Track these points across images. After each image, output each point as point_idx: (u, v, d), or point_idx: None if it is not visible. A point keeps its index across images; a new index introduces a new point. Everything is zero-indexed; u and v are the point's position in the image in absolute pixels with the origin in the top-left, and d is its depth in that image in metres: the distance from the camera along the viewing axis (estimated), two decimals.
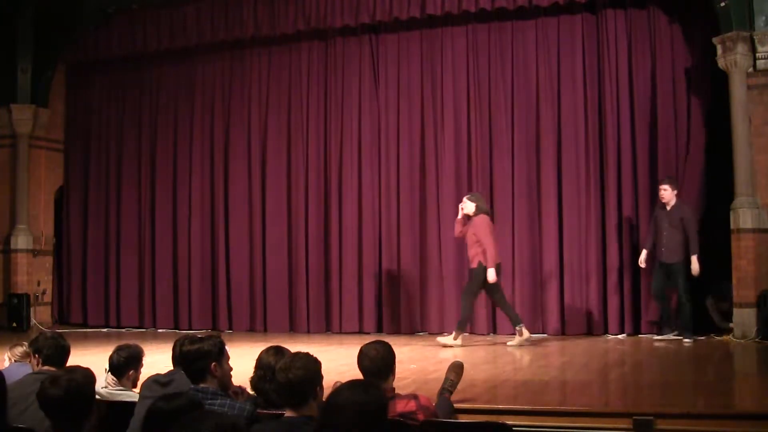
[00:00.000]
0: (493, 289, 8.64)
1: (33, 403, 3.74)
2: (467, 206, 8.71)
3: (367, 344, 3.84)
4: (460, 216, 8.81)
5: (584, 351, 8.14)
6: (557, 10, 9.97)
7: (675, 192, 8.68)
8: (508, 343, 8.62)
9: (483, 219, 8.60)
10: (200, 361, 3.60)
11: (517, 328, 8.62)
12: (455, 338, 8.61)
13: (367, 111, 10.87)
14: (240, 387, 4.01)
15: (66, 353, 4.31)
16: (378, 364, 3.73)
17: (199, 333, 4.58)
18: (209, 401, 3.36)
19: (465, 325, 8.79)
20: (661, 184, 8.80)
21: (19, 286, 11.86)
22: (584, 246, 9.70)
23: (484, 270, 8.45)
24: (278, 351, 3.99)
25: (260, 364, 3.99)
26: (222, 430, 2.37)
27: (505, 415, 4.65)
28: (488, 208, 9.02)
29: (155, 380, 4.00)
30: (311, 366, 3.23)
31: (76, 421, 2.97)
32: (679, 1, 9.53)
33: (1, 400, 3.34)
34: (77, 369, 3.11)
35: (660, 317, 9.05)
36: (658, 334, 8.95)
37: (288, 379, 3.15)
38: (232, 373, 3.87)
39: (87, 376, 3.08)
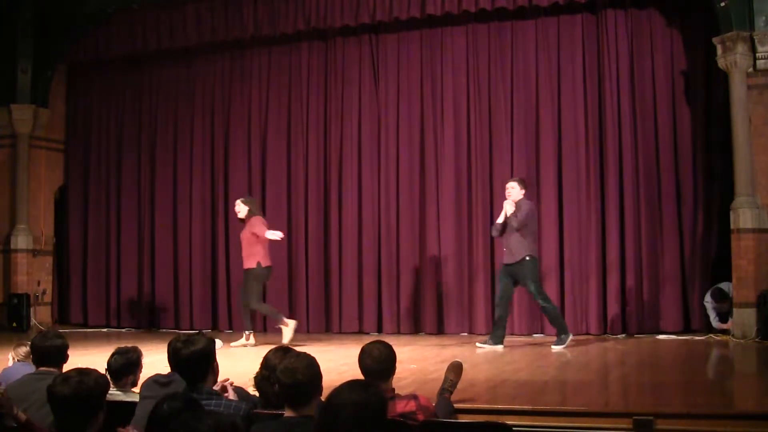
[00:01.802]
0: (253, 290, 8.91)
1: (34, 402, 3.75)
2: (240, 209, 9.02)
3: (369, 344, 3.85)
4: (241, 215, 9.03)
5: (584, 351, 8.14)
6: (557, 10, 9.96)
7: (523, 192, 8.25)
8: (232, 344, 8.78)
9: (259, 219, 8.91)
10: (204, 360, 3.60)
11: (246, 333, 8.88)
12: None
13: (367, 111, 10.86)
14: (224, 386, 4.00)
15: (65, 353, 4.32)
16: (381, 364, 3.74)
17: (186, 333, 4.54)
18: (205, 401, 3.36)
19: (281, 316, 8.95)
20: (508, 182, 8.47)
21: (19, 286, 11.83)
22: (584, 246, 9.69)
23: (263, 268, 8.77)
24: (286, 352, 3.98)
25: (267, 365, 3.97)
26: (221, 430, 2.37)
27: (505, 415, 4.64)
28: (261, 213, 9.32)
29: (155, 380, 4.00)
30: (315, 366, 3.26)
31: (80, 423, 2.97)
32: (679, 1, 9.54)
33: None
34: (91, 372, 3.10)
35: (494, 323, 8.50)
36: (488, 342, 8.31)
37: (296, 380, 3.15)
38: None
39: (99, 381, 3.08)
